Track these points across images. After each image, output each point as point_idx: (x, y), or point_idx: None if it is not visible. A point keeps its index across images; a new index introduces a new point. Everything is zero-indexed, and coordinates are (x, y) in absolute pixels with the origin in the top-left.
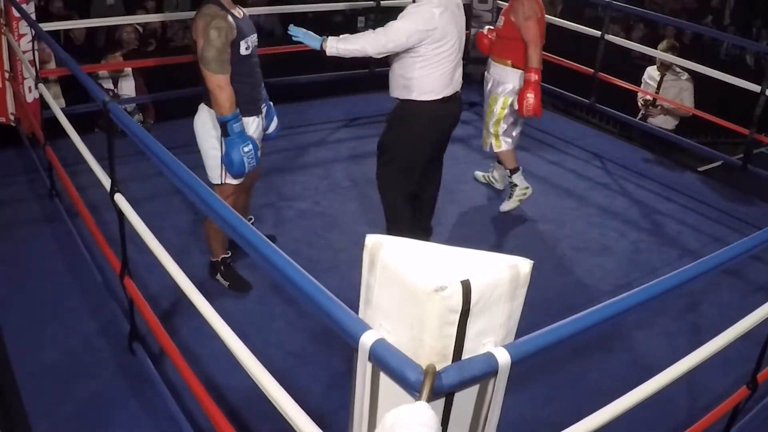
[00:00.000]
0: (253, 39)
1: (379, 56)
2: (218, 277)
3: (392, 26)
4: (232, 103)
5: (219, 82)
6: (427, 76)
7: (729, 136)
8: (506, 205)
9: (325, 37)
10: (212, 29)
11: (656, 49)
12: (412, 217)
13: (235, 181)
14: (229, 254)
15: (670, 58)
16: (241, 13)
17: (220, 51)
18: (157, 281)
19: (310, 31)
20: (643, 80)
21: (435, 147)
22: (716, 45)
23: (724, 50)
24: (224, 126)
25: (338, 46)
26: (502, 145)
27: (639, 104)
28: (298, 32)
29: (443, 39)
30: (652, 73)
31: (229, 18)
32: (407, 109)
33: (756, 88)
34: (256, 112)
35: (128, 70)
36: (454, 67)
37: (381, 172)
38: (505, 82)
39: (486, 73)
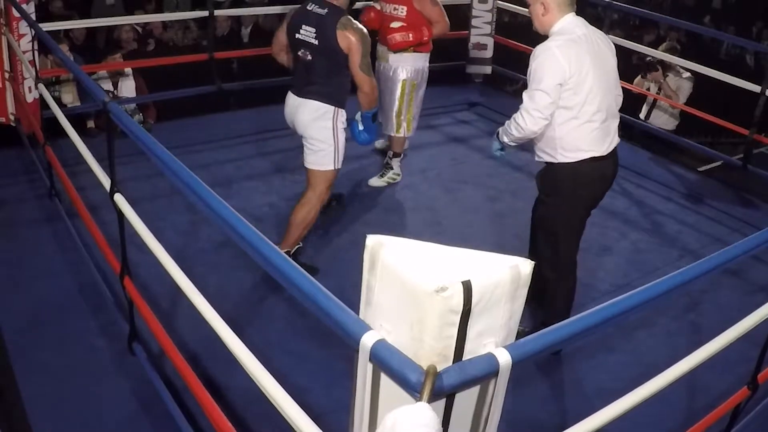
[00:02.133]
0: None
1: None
2: None
3: (535, 91)
4: (370, 100)
5: (373, 84)
6: (570, 130)
7: (729, 136)
8: (376, 181)
9: (497, 137)
10: (364, 43)
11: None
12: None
13: (340, 165)
14: (300, 245)
15: (670, 58)
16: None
17: (367, 56)
18: (157, 281)
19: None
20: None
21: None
22: (716, 45)
23: (724, 50)
24: (375, 114)
25: (505, 130)
26: (412, 130)
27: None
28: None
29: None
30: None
31: None
32: (556, 172)
33: (756, 88)
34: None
35: (128, 70)
36: (604, 118)
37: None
38: (407, 66)
39: (384, 63)
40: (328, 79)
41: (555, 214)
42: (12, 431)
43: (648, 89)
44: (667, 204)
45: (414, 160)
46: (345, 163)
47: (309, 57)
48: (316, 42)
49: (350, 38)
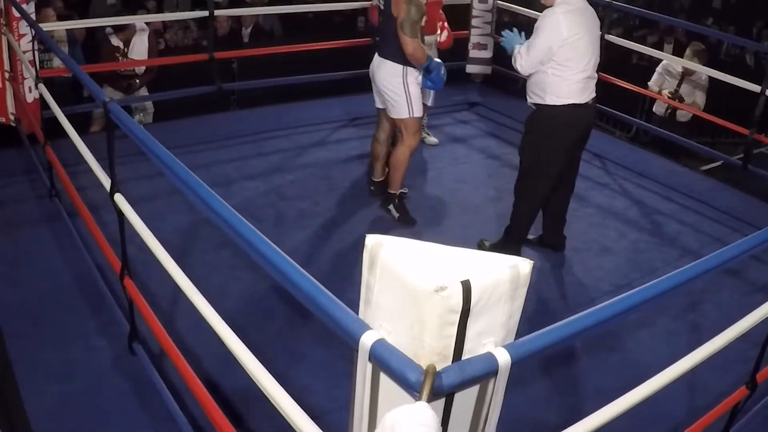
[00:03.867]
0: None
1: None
2: (390, 207)
3: (532, 45)
4: (424, 55)
5: (414, 45)
6: (561, 81)
7: (729, 136)
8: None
9: (519, 46)
10: (410, 7)
11: (684, 51)
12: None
13: (419, 114)
14: (406, 190)
15: (670, 58)
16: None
17: (416, 22)
18: (157, 281)
19: (517, 34)
20: (658, 72)
21: (569, 152)
22: (717, 45)
23: (724, 50)
24: (427, 67)
25: (517, 60)
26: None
27: (666, 95)
28: (507, 33)
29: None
30: (672, 68)
31: None
32: (542, 113)
33: (756, 88)
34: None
35: (143, 25)
36: (588, 75)
37: (519, 177)
38: None
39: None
40: (394, 41)
41: (532, 148)
42: (12, 431)
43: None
44: (667, 204)
45: (414, 160)
46: (345, 162)
47: (381, 20)
48: (383, 7)
49: (400, 3)
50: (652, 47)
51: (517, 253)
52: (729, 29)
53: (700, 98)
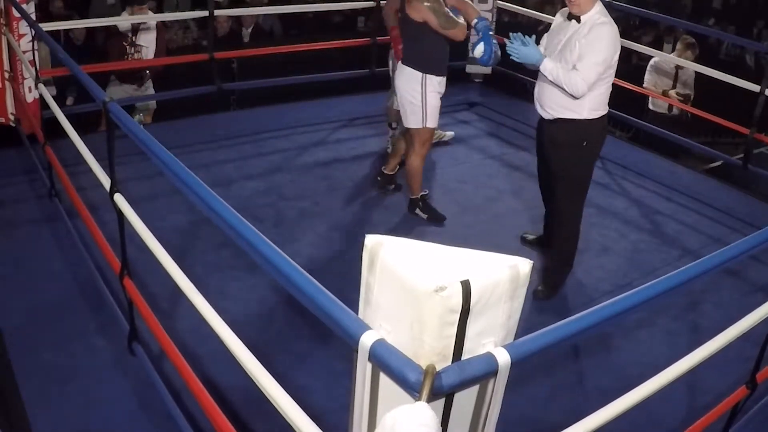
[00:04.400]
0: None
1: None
2: (417, 211)
3: (586, 66)
4: (463, 32)
5: (460, 32)
6: (601, 95)
7: (729, 136)
8: None
9: (544, 56)
10: (434, 5)
11: (675, 47)
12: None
13: (433, 125)
14: (427, 192)
15: (669, 57)
16: None
17: (445, 14)
18: (157, 281)
19: (529, 41)
20: (649, 71)
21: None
22: (717, 45)
23: (724, 50)
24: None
25: (554, 72)
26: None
27: (676, 98)
28: (516, 43)
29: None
30: (664, 65)
31: None
32: (579, 128)
33: (756, 87)
34: (444, 72)
35: (151, 24)
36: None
37: (566, 194)
38: None
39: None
40: (413, 47)
41: (580, 164)
42: (12, 431)
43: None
44: (667, 204)
45: None
46: (345, 162)
47: (401, 25)
48: (401, 14)
49: (418, 7)
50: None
51: (569, 272)
52: (729, 29)
53: (690, 91)
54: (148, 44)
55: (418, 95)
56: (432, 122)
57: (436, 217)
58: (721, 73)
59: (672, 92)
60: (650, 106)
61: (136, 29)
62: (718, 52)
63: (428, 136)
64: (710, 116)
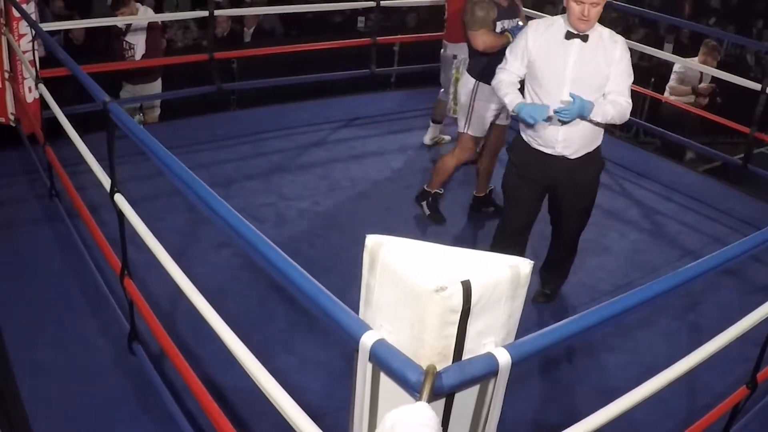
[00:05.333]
0: (508, 23)
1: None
2: (423, 203)
3: (627, 88)
4: (489, 46)
5: (482, 42)
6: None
7: (729, 135)
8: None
9: (590, 104)
10: (470, 6)
11: (686, 51)
12: None
13: (474, 134)
14: (441, 192)
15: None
16: (506, 3)
17: (483, 18)
18: (157, 281)
19: (581, 100)
20: (674, 78)
21: None
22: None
23: (724, 49)
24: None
25: (607, 114)
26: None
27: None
28: (571, 108)
29: None
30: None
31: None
32: (596, 156)
33: (756, 86)
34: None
35: (142, 25)
36: None
37: (584, 222)
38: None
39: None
40: (471, 54)
41: (596, 189)
42: (12, 431)
43: None
44: (667, 204)
45: (414, 160)
46: (345, 162)
47: (463, 33)
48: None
49: (466, 5)
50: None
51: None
52: (729, 28)
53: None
54: (136, 42)
55: (467, 100)
56: (474, 130)
57: (437, 218)
58: (721, 72)
59: (703, 85)
60: (669, 96)
61: (127, 29)
62: (718, 51)
63: (469, 143)
64: (711, 115)
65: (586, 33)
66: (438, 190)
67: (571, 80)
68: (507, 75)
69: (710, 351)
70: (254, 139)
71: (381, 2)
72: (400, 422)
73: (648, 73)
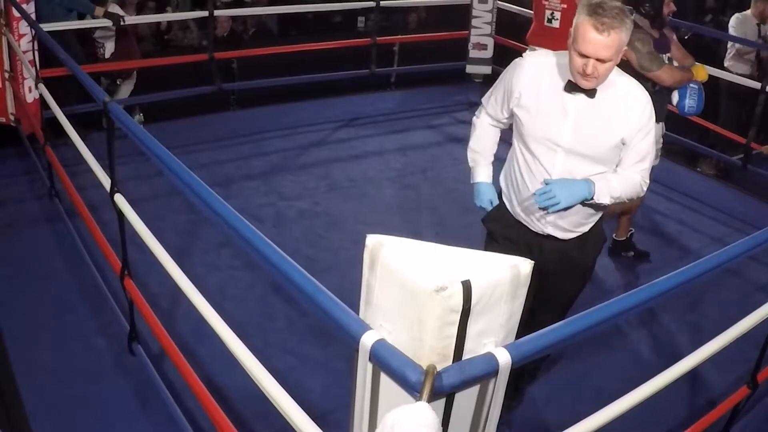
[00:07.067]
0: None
1: None
2: (624, 254)
3: (649, 161)
4: (683, 74)
5: (665, 74)
6: None
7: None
8: None
9: (590, 182)
10: (635, 42)
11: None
12: None
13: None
14: (632, 230)
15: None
16: (657, 34)
17: (650, 52)
18: (157, 281)
19: (570, 182)
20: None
21: None
22: (715, 43)
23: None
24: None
25: (615, 192)
26: None
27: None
28: (549, 192)
29: None
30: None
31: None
32: (598, 233)
33: (756, 85)
34: (660, 118)
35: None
36: None
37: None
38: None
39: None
40: None
41: (589, 275)
42: (12, 431)
43: None
44: (667, 204)
45: (414, 160)
46: (345, 162)
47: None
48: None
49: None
50: None
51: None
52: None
53: None
54: (104, 40)
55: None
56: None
57: (643, 254)
58: (720, 71)
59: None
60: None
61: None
62: (717, 50)
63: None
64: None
65: (595, 89)
66: (630, 231)
67: (566, 149)
68: (482, 131)
69: (710, 351)
70: (254, 139)
71: (381, 2)
72: (400, 422)
73: None
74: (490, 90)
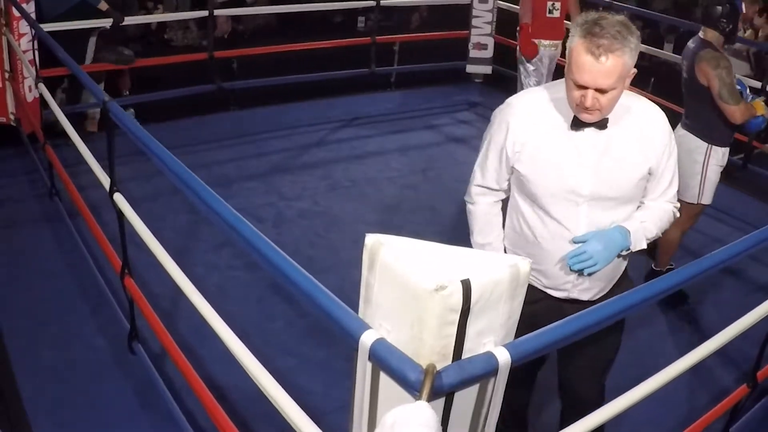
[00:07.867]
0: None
1: None
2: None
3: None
4: (752, 113)
5: (738, 111)
6: None
7: None
8: None
9: (624, 229)
10: (720, 71)
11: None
12: None
13: (707, 202)
14: (672, 265)
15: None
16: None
17: (732, 84)
18: (157, 281)
19: (603, 236)
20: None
21: None
22: None
23: None
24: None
25: (651, 232)
26: None
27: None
28: (591, 254)
29: None
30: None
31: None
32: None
33: (756, 84)
34: (728, 143)
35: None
36: None
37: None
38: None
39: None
40: (697, 114)
41: (621, 331)
42: (12, 430)
43: None
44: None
45: (414, 160)
46: (345, 162)
47: (684, 90)
48: (686, 75)
49: (706, 69)
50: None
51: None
52: None
53: None
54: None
55: (699, 167)
56: (707, 198)
57: (682, 295)
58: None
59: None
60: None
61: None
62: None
63: (699, 211)
64: None
65: (605, 120)
66: (669, 266)
67: (590, 197)
68: (484, 221)
69: (710, 350)
70: (254, 139)
71: (381, 2)
72: (399, 421)
73: (648, 73)
74: (479, 159)
